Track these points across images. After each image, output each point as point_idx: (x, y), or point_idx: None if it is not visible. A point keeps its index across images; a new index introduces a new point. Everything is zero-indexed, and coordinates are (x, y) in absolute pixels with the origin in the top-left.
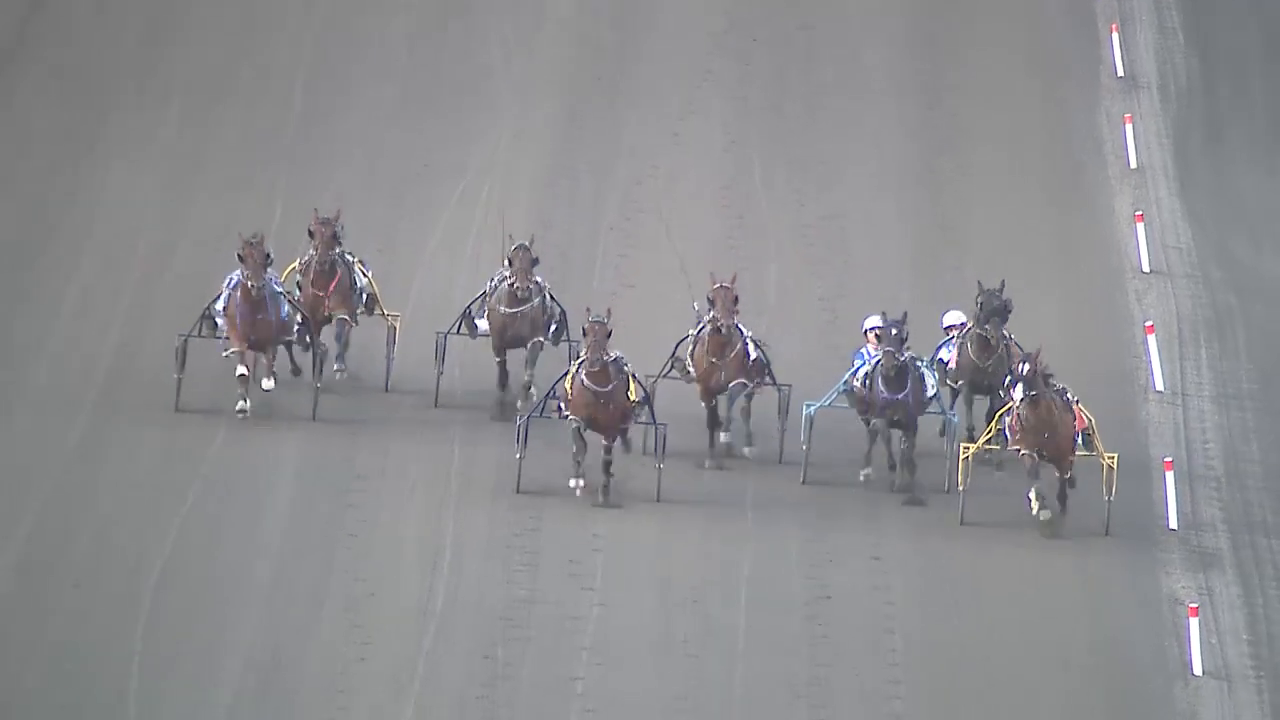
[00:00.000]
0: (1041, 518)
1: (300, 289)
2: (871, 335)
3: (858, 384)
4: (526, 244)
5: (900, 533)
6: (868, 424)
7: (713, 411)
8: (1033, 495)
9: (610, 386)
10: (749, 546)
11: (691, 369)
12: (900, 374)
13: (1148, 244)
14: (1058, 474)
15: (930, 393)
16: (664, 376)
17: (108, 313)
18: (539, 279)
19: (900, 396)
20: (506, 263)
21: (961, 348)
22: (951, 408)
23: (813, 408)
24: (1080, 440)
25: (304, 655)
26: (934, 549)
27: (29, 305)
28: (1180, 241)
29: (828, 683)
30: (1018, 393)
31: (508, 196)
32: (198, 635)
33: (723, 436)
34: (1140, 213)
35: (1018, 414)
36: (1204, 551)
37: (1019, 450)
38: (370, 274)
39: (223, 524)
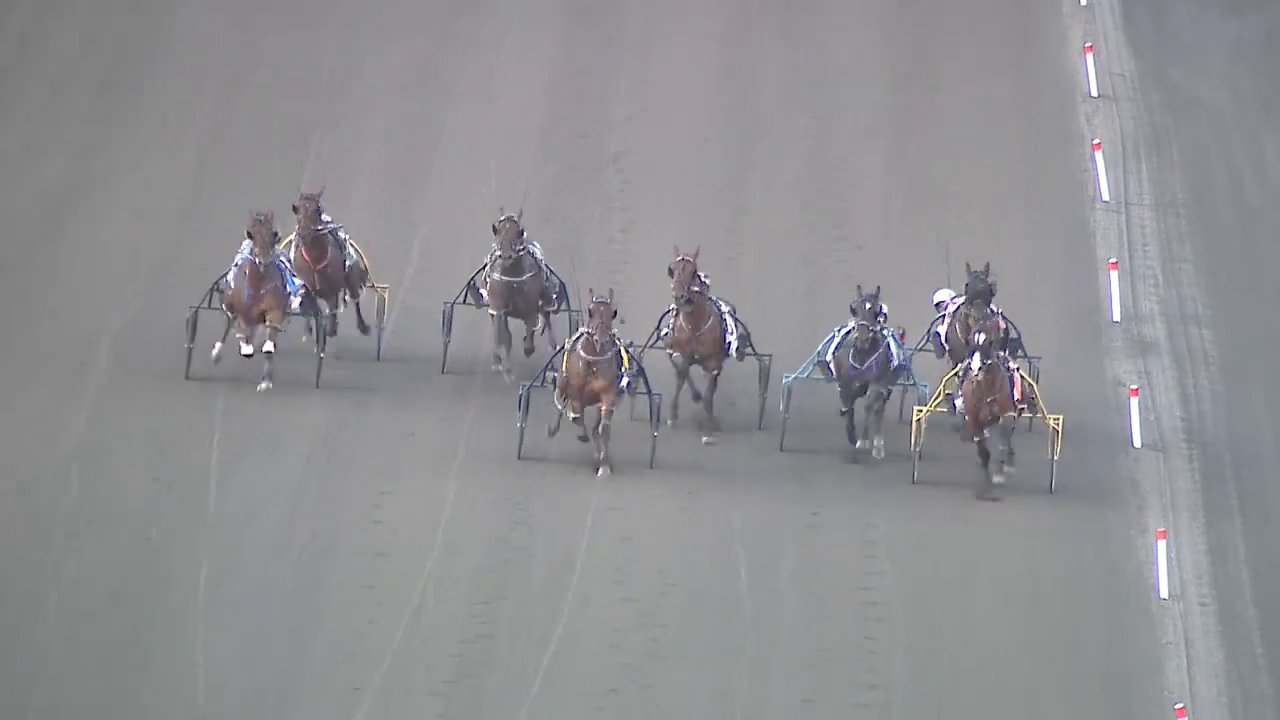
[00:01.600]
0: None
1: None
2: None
3: (829, 357)
4: (514, 216)
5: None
6: (844, 413)
7: (686, 376)
8: (990, 477)
9: (606, 356)
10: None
11: (670, 335)
12: (872, 346)
13: (1096, 72)
14: (1001, 429)
15: (896, 363)
16: (650, 347)
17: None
18: (534, 251)
19: (864, 366)
20: (493, 230)
21: (951, 328)
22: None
23: (790, 378)
24: (1026, 405)
25: (358, 436)
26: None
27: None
28: (1124, 69)
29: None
30: (975, 362)
31: (529, 41)
32: (266, 421)
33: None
34: (1089, 44)
35: (971, 380)
36: (1143, 340)
37: (972, 437)
38: (359, 248)
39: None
